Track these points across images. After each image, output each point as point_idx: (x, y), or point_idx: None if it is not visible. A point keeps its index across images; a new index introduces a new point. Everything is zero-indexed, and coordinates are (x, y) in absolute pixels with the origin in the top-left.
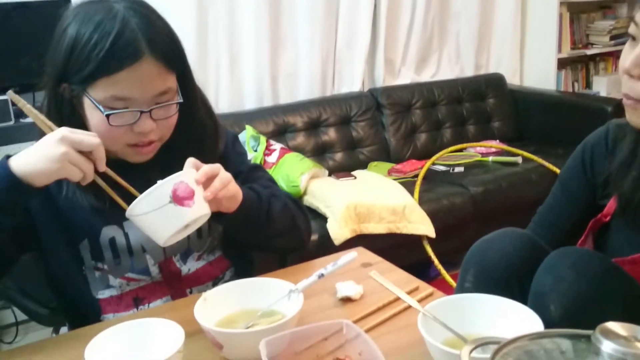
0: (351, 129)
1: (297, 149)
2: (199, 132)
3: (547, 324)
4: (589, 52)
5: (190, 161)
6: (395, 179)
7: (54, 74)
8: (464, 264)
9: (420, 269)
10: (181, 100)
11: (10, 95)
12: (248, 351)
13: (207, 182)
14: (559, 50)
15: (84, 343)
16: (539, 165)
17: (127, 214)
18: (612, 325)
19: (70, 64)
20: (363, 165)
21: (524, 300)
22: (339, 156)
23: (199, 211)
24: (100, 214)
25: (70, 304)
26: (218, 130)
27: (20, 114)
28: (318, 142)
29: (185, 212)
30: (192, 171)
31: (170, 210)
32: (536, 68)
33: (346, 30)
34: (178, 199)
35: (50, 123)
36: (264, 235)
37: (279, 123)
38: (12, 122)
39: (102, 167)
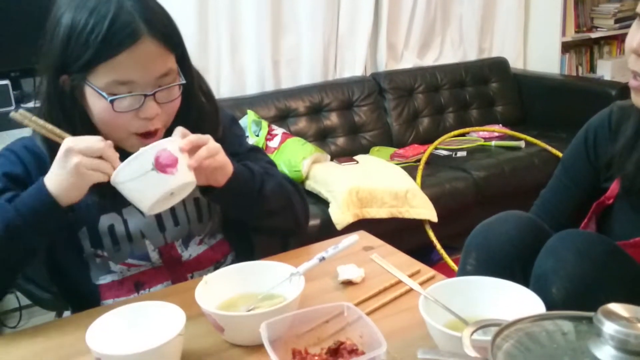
0: (353, 114)
1: (299, 134)
2: (198, 116)
3: (549, 306)
4: (594, 35)
5: (179, 130)
6: (397, 164)
7: (53, 67)
8: (465, 246)
9: (422, 253)
10: (184, 82)
11: (14, 116)
12: (249, 334)
13: (193, 151)
14: (563, 33)
15: (85, 326)
16: (542, 149)
17: (112, 181)
18: (614, 307)
19: (68, 53)
20: (365, 150)
21: (526, 283)
22: (341, 141)
23: (182, 179)
24: (98, 202)
25: (70, 290)
26: (218, 114)
27: (21, 99)
28: (320, 126)
29: (168, 180)
30: (177, 139)
31: (152, 177)
32: (540, 52)
33: (348, 14)
34: (160, 167)
35: (59, 131)
36: (257, 212)
37: (281, 108)
38: (12, 107)
39: (117, 164)
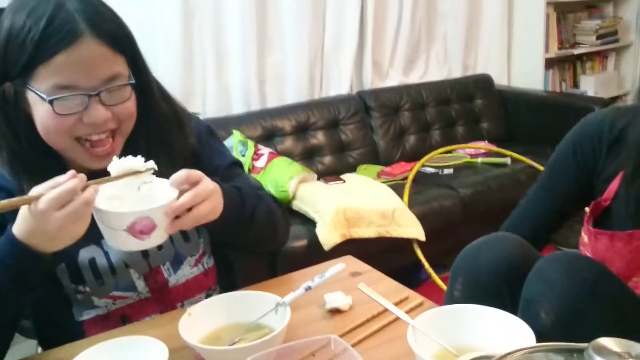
0: (340, 132)
1: (286, 153)
2: (160, 123)
3: (539, 330)
4: (576, 51)
5: (176, 179)
6: (384, 182)
7: None
8: (452, 270)
9: (410, 272)
10: (133, 81)
11: None
12: None
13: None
14: (546, 50)
15: None
16: (527, 166)
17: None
18: (605, 341)
19: (7, 58)
20: (352, 168)
21: (514, 307)
22: (327, 160)
23: (152, 243)
24: None
25: (50, 326)
26: (182, 120)
27: None
28: (306, 145)
29: (136, 243)
30: (164, 205)
31: (122, 235)
32: (524, 68)
33: (333, 32)
34: (134, 232)
35: (16, 199)
36: (243, 240)
37: (267, 127)
38: None
39: (93, 187)
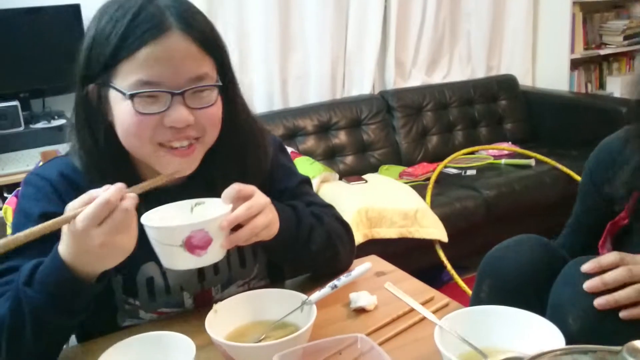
0: (362, 132)
1: (307, 153)
2: (240, 141)
3: (566, 337)
4: (603, 52)
5: (229, 194)
6: (406, 183)
7: (78, 75)
8: (478, 273)
9: (432, 273)
10: (220, 83)
11: None
12: None
13: (240, 201)
14: (572, 50)
15: (95, 356)
16: (552, 167)
17: (141, 220)
18: None
19: (92, 55)
20: (374, 169)
21: (542, 309)
22: (349, 159)
23: (209, 260)
24: (139, 247)
25: (89, 324)
26: (260, 140)
27: (30, 119)
28: (328, 145)
29: (191, 260)
30: (219, 216)
31: (177, 252)
32: (549, 69)
33: (356, 31)
34: (190, 247)
35: (56, 220)
36: (299, 264)
37: (289, 127)
38: (22, 128)
39: (132, 196)
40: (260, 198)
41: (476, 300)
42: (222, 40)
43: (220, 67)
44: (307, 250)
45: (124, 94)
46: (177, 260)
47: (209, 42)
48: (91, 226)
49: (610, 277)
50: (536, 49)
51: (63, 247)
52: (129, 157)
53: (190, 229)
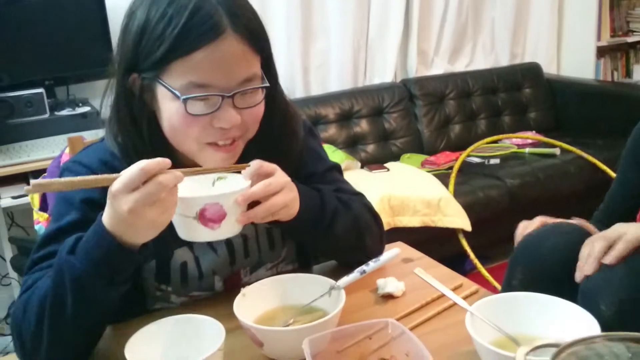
0: (384, 121)
1: (329, 141)
2: (282, 122)
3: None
4: (630, 39)
5: (249, 170)
6: (429, 171)
7: (123, 64)
8: (511, 260)
9: (455, 262)
10: (267, 84)
11: (27, 190)
12: (289, 349)
13: (258, 179)
14: (598, 38)
15: (126, 338)
16: (577, 156)
17: None
18: None
19: (141, 48)
20: (396, 157)
21: (573, 298)
22: (371, 148)
23: (222, 234)
24: (171, 233)
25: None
26: (296, 127)
27: (55, 107)
28: (350, 133)
29: (205, 232)
30: (235, 191)
31: (191, 224)
32: (574, 57)
33: (378, 19)
34: (203, 219)
35: (101, 177)
36: (323, 248)
37: (311, 115)
38: (47, 115)
39: (172, 172)
40: (280, 177)
41: (508, 287)
42: (266, 32)
43: (265, 60)
44: (330, 233)
45: (177, 96)
46: (191, 231)
47: (258, 39)
48: (123, 191)
49: (595, 249)
50: (561, 36)
51: (105, 214)
52: (169, 145)
53: (204, 201)
